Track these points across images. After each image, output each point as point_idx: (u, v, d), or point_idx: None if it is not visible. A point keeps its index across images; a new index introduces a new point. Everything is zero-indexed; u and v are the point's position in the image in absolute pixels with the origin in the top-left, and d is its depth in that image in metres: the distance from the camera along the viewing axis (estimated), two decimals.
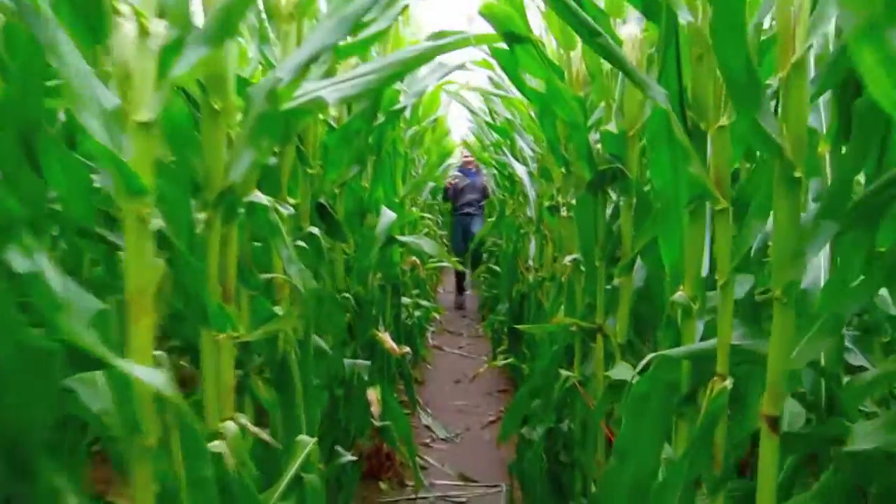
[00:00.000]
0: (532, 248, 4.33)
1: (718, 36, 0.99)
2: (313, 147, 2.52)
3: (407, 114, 3.75)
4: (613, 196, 2.24)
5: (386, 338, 3.29)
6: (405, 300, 4.39)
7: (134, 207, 0.88)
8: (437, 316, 6.16)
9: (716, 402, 1.22)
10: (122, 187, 0.86)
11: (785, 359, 1.02)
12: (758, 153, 1.37)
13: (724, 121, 1.18)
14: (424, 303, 4.57)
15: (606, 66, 2.11)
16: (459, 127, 11.49)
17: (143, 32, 0.88)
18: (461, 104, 4.89)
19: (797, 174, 0.97)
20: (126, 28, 0.90)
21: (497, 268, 6.55)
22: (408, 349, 3.55)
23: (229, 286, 1.47)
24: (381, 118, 2.99)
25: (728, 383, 1.22)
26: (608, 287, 2.22)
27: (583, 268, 2.51)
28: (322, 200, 2.92)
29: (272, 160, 1.86)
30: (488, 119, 5.10)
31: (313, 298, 1.82)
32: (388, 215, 3.11)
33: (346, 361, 2.72)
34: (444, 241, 12.11)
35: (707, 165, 1.23)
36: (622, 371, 1.96)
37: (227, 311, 1.39)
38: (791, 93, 0.98)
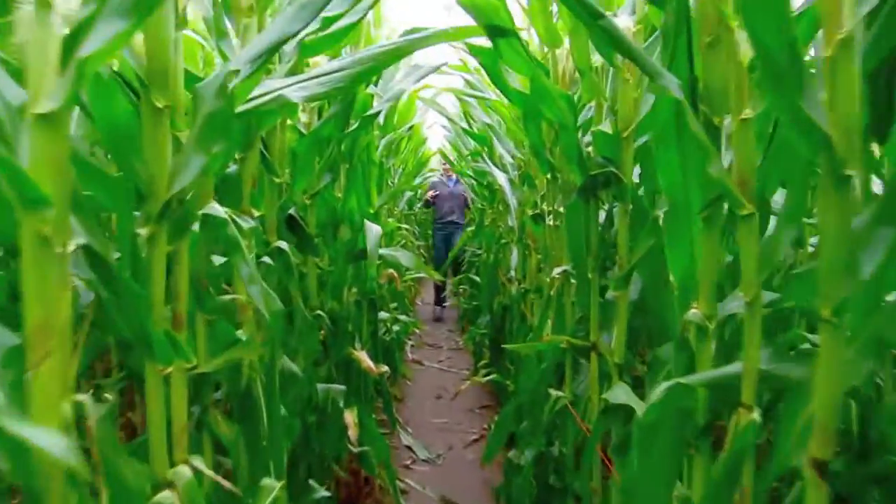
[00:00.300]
0: (514, 258, 4.17)
1: (751, 9, 0.83)
2: (281, 154, 2.33)
3: (381, 120, 3.57)
4: (605, 203, 2.08)
5: (363, 356, 3.10)
6: (383, 315, 4.21)
7: (32, 223, 0.69)
8: (417, 330, 5.97)
9: (743, 438, 1.06)
10: (17, 197, 0.67)
11: (837, 390, 0.86)
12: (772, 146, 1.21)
13: (748, 112, 1.02)
14: (403, 317, 4.38)
15: (597, 61, 1.96)
16: (435, 136, 11.30)
17: (43, 4, 0.70)
18: (437, 111, 4.73)
19: (848, 172, 0.81)
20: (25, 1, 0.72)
21: (477, 278, 6.38)
22: (386, 368, 3.36)
23: (180, 311, 1.28)
24: (353, 124, 2.82)
25: (756, 415, 1.06)
26: (602, 300, 2.06)
27: (573, 280, 2.35)
28: (292, 212, 2.74)
29: (232, 168, 1.67)
30: (465, 126, 4.94)
31: (281, 319, 1.63)
32: (374, 229, 2.93)
33: (320, 386, 2.53)
34: (422, 252, 11.96)
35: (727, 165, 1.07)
36: (620, 393, 1.79)
37: (176, 340, 1.20)
38: (839, 75, 0.82)
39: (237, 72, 1.21)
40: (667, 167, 1.28)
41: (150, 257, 1.16)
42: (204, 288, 1.48)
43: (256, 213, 1.87)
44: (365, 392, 3.41)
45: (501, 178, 4.16)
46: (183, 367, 1.28)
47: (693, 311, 1.23)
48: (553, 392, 2.40)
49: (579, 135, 2.01)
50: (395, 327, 4.47)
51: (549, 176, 2.61)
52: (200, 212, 1.43)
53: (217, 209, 1.44)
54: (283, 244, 2.07)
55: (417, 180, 8.66)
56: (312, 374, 2.41)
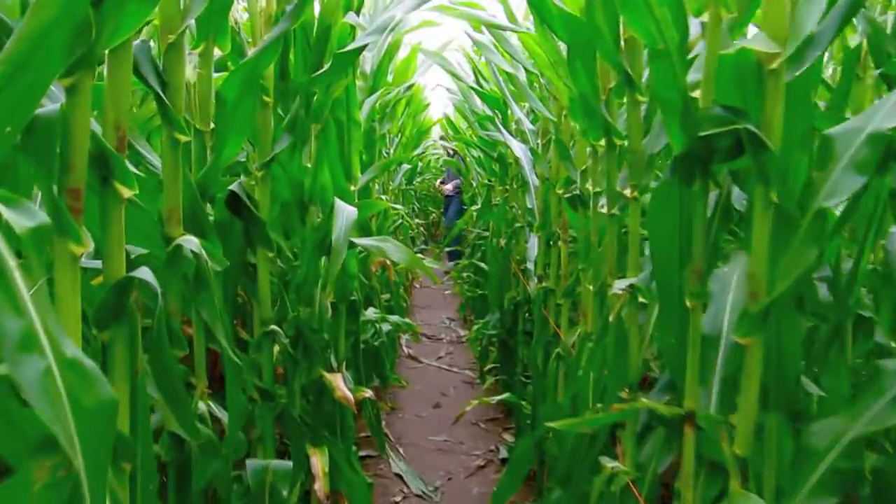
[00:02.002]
0: (532, 247, 3.37)
1: None
2: (203, 100, 1.53)
3: (367, 68, 2.75)
4: (717, 185, 1.28)
5: (337, 382, 2.32)
6: (371, 314, 3.42)
7: None
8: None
9: None
10: None
11: None
12: None
13: None
14: (394, 318, 3.59)
15: None
16: (438, 101, 10.53)
17: None
18: (442, 66, 3.90)
19: None
20: None
21: (483, 265, 5.58)
22: (369, 393, 2.58)
23: None
24: (325, 66, 2.01)
25: None
26: (704, 336, 1.27)
27: (641, 298, 1.56)
28: (235, 188, 1.94)
29: (49, 107, 0.87)
30: (473, 87, 4.11)
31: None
32: (345, 212, 2.12)
33: (252, 464, 1.75)
34: (423, 230, 11.14)
35: None
36: None
37: None
38: None
39: None
40: None
41: None
42: None
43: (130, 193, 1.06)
44: (342, 421, 2.63)
45: (518, 149, 3.36)
46: None
47: None
48: (607, 464, 1.62)
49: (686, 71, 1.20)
50: (387, 326, 3.68)
51: (602, 142, 1.80)
52: None
53: None
54: (191, 241, 1.27)
55: (418, 150, 7.83)
56: (237, 445, 1.61)
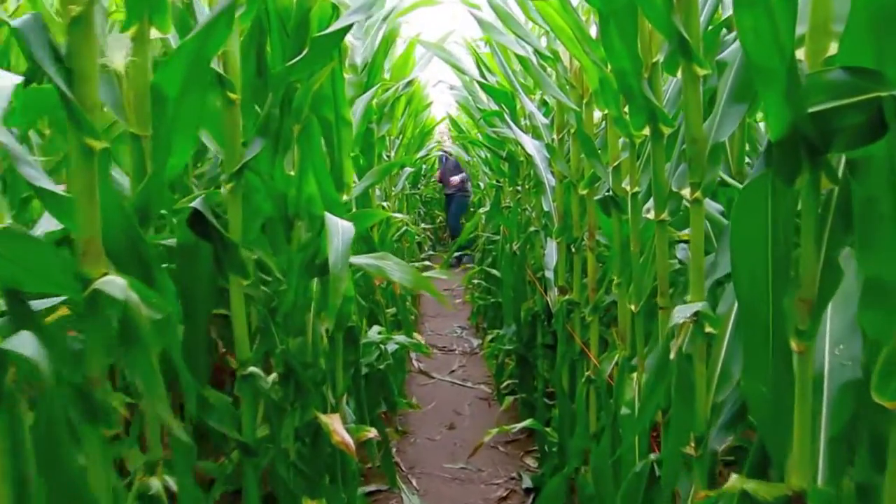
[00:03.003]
0: (551, 255, 3.02)
1: None
2: (137, 96, 1.20)
3: (358, 59, 2.41)
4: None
5: (334, 424, 1.99)
6: (374, 336, 3.08)
7: None
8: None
9: None
10: None
11: None
12: None
13: None
14: (400, 338, 3.24)
15: None
16: (441, 100, 10.26)
17: None
18: (443, 59, 3.56)
19: None
20: None
21: (495, 271, 5.23)
22: (373, 433, 2.24)
23: None
24: (304, 52, 1.68)
25: None
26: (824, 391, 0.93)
27: (706, 326, 1.22)
28: (197, 205, 1.62)
29: None
30: (478, 80, 3.77)
31: None
32: (341, 229, 1.77)
33: None
34: (430, 234, 10.79)
35: None
36: None
37: None
38: None
39: None
40: None
41: None
42: None
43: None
44: (344, 464, 2.29)
45: (530, 145, 3.02)
46: None
47: None
48: None
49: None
50: (393, 346, 3.35)
51: (644, 131, 1.45)
52: None
53: None
54: (111, 282, 0.94)
55: (422, 153, 7.48)
56: None
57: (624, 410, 1.66)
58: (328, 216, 1.70)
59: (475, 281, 6.05)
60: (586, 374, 2.40)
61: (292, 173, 1.99)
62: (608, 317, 2.81)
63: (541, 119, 3.06)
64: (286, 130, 1.91)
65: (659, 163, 1.41)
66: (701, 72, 1.18)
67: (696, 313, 1.19)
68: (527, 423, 2.90)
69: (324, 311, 2.22)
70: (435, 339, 6.39)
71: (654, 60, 1.41)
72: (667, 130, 1.40)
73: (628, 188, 1.68)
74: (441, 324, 6.98)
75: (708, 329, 1.22)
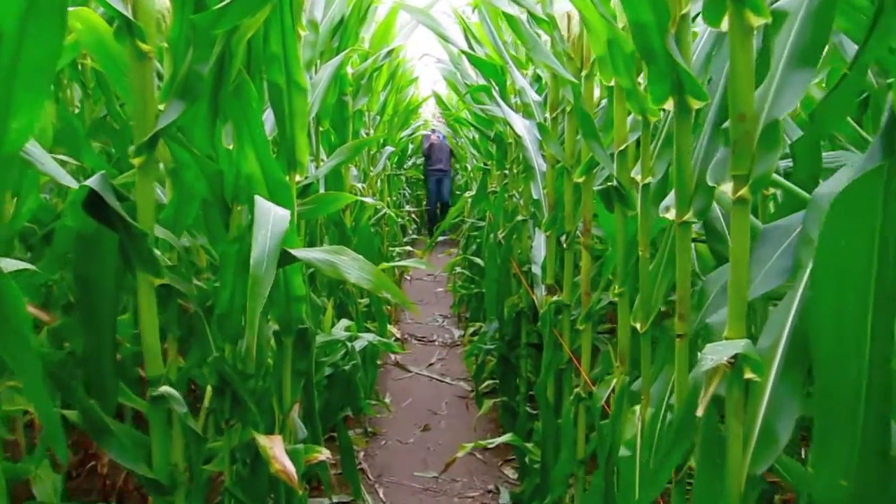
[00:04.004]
0: (539, 248, 2.70)
1: None
2: None
3: (318, 14, 2.05)
4: None
5: (274, 449, 1.66)
6: (340, 333, 2.74)
7: None
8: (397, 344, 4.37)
9: None
10: None
11: None
12: None
13: None
14: (369, 336, 2.91)
15: None
16: (428, 76, 9.90)
17: None
18: (427, 26, 3.20)
19: None
20: None
21: (478, 260, 4.91)
22: (324, 455, 1.91)
23: None
24: None
25: None
26: None
27: (750, 374, 0.90)
28: (94, 184, 1.29)
29: None
30: (465, 51, 3.41)
31: None
32: (272, 217, 1.43)
33: None
34: (415, 217, 10.43)
35: None
36: None
37: None
38: None
39: None
40: None
41: None
42: None
43: None
44: (289, 492, 1.97)
45: (520, 125, 2.68)
46: None
47: None
48: None
49: None
50: (361, 343, 3.01)
51: (667, 104, 1.12)
52: None
53: None
54: None
55: (407, 132, 7.12)
56: None
57: (623, 452, 1.35)
58: (258, 200, 1.37)
59: (458, 269, 5.72)
60: (575, 390, 2.09)
61: (230, 146, 1.65)
62: (600, 320, 2.50)
63: (532, 96, 2.72)
64: (225, 94, 1.57)
65: (684, 147, 1.08)
66: (756, 21, 0.85)
67: (736, 356, 0.87)
68: (506, 438, 2.59)
69: (269, 310, 1.89)
70: (414, 328, 6.08)
71: (684, 12, 1.07)
72: (696, 104, 1.07)
73: (638, 178, 1.35)
74: (421, 312, 6.65)
75: (748, 375, 0.90)
